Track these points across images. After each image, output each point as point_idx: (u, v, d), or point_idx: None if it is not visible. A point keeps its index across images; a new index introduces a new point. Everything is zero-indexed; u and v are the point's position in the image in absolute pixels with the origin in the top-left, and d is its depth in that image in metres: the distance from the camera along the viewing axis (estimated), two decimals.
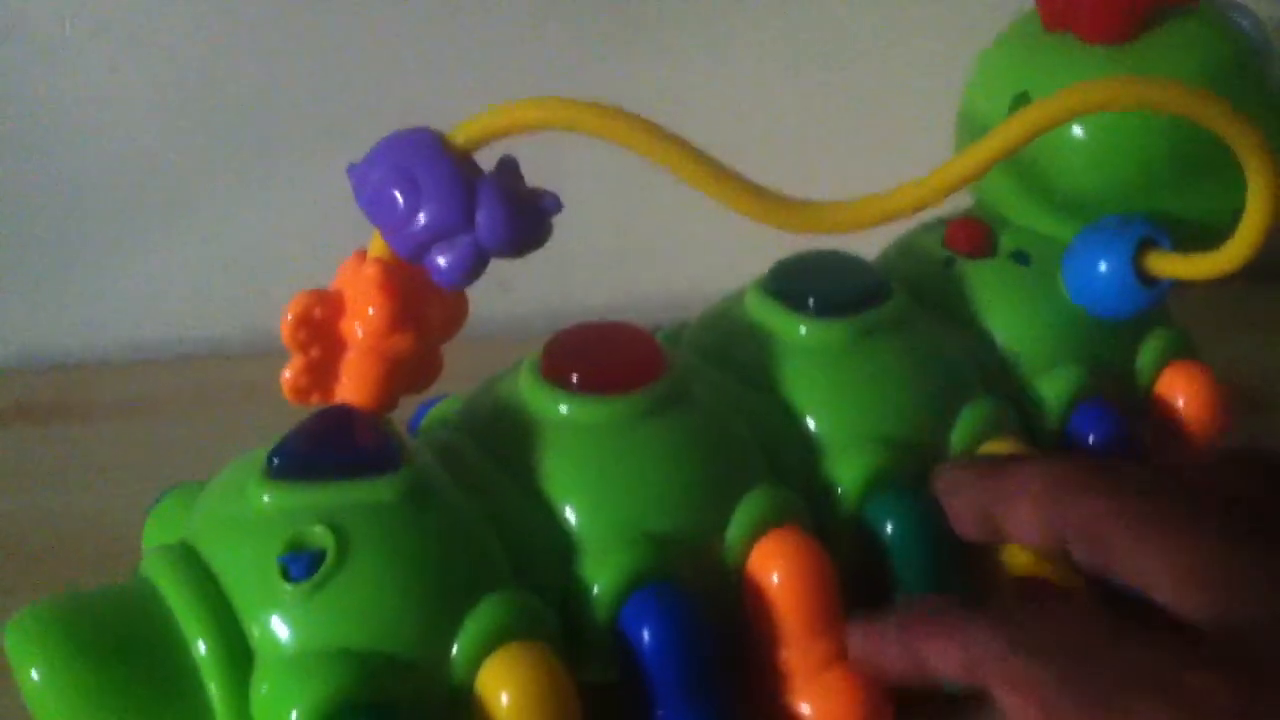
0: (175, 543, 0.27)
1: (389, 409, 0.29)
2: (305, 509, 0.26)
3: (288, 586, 0.25)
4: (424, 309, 0.29)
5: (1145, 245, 0.33)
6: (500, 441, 0.29)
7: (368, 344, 0.29)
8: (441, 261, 0.27)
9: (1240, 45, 0.34)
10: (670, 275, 0.54)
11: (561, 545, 0.28)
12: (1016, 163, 0.34)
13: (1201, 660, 0.22)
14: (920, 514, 0.30)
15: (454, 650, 0.25)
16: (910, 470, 0.31)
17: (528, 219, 0.27)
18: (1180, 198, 0.34)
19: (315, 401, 0.29)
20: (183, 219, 0.52)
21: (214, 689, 0.24)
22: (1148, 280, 0.33)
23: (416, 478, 0.27)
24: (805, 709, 0.28)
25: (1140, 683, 0.22)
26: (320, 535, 0.25)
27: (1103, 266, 0.33)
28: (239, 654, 0.25)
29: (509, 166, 0.28)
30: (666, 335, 0.35)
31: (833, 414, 0.31)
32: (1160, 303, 0.34)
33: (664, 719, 0.27)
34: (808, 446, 0.31)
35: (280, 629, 0.25)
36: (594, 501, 0.28)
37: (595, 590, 0.27)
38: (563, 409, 0.29)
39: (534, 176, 0.28)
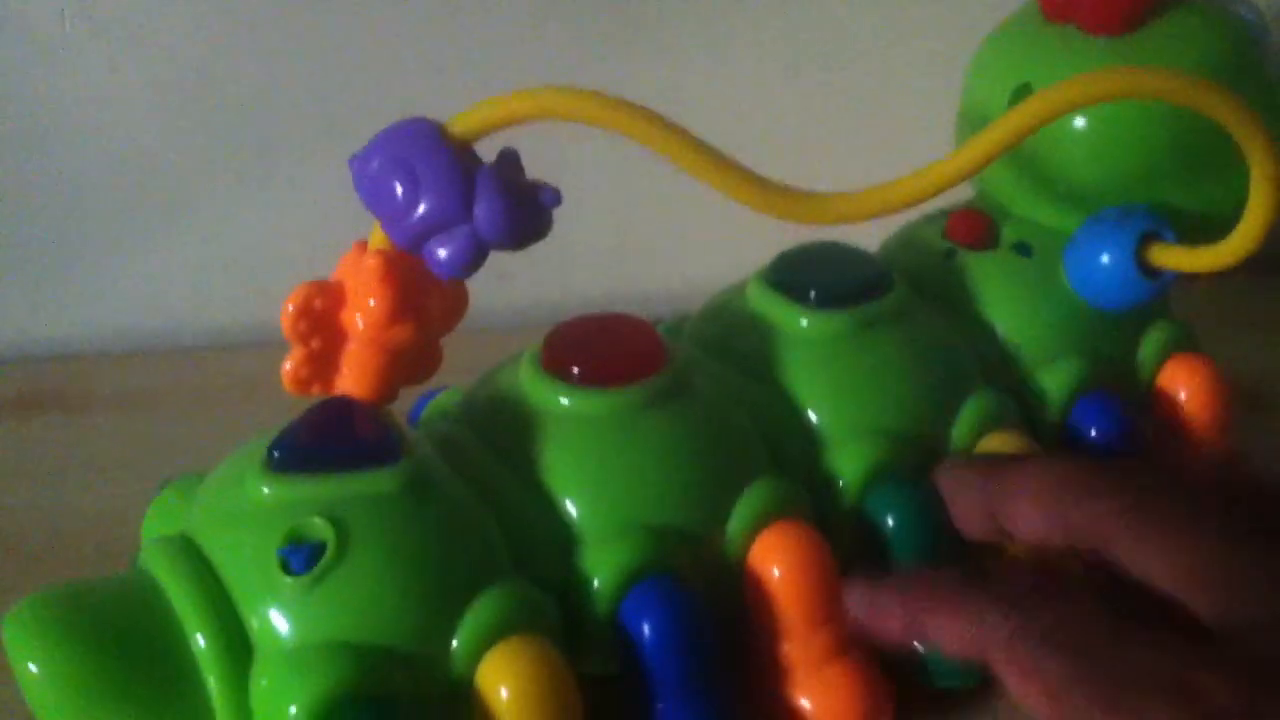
0: (175, 535, 0.27)
1: (389, 400, 0.29)
2: (305, 501, 0.26)
3: (287, 579, 0.25)
4: (424, 300, 0.29)
5: (1147, 237, 0.33)
6: (501, 433, 0.29)
7: (368, 335, 0.29)
8: (440, 253, 0.27)
9: (1242, 35, 0.34)
10: (671, 268, 0.54)
11: (562, 537, 0.28)
12: (1018, 154, 0.34)
13: (1208, 661, 0.22)
14: (921, 506, 0.30)
15: (454, 643, 0.25)
16: (911, 462, 0.31)
17: (527, 211, 0.27)
18: (1183, 189, 0.34)
19: (316, 393, 0.29)
20: (182, 214, 0.52)
21: (213, 682, 0.24)
22: (1150, 272, 0.33)
23: (417, 470, 0.27)
24: (806, 703, 0.28)
25: (1148, 681, 0.22)
26: (320, 528, 0.25)
27: (1105, 258, 0.33)
28: (238, 647, 0.25)
29: (509, 158, 0.28)
30: (667, 327, 0.35)
31: (834, 406, 0.31)
32: (1162, 295, 0.34)
33: (664, 712, 0.27)
34: (809, 438, 0.31)
35: (280, 622, 0.24)
36: (595, 494, 0.28)
37: (596, 583, 0.27)
38: (563, 401, 0.29)
39: (536, 169, 0.28)
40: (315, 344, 0.29)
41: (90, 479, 0.42)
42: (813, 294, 0.32)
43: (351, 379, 0.29)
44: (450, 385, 0.34)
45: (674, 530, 0.28)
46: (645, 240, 0.55)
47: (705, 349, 0.33)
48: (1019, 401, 0.34)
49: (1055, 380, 0.34)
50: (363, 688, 0.24)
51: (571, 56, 0.50)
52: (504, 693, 0.25)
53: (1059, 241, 0.35)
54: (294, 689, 0.24)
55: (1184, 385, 0.35)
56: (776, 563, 0.28)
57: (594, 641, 0.27)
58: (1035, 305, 0.34)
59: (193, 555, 0.26)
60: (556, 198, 0.28)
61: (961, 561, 0.30)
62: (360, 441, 0.27)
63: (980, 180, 0.37)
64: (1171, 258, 0.33)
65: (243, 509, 0.26)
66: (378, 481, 0.26)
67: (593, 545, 0.28)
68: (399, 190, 0.27)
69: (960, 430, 0.32)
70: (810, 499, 0.30)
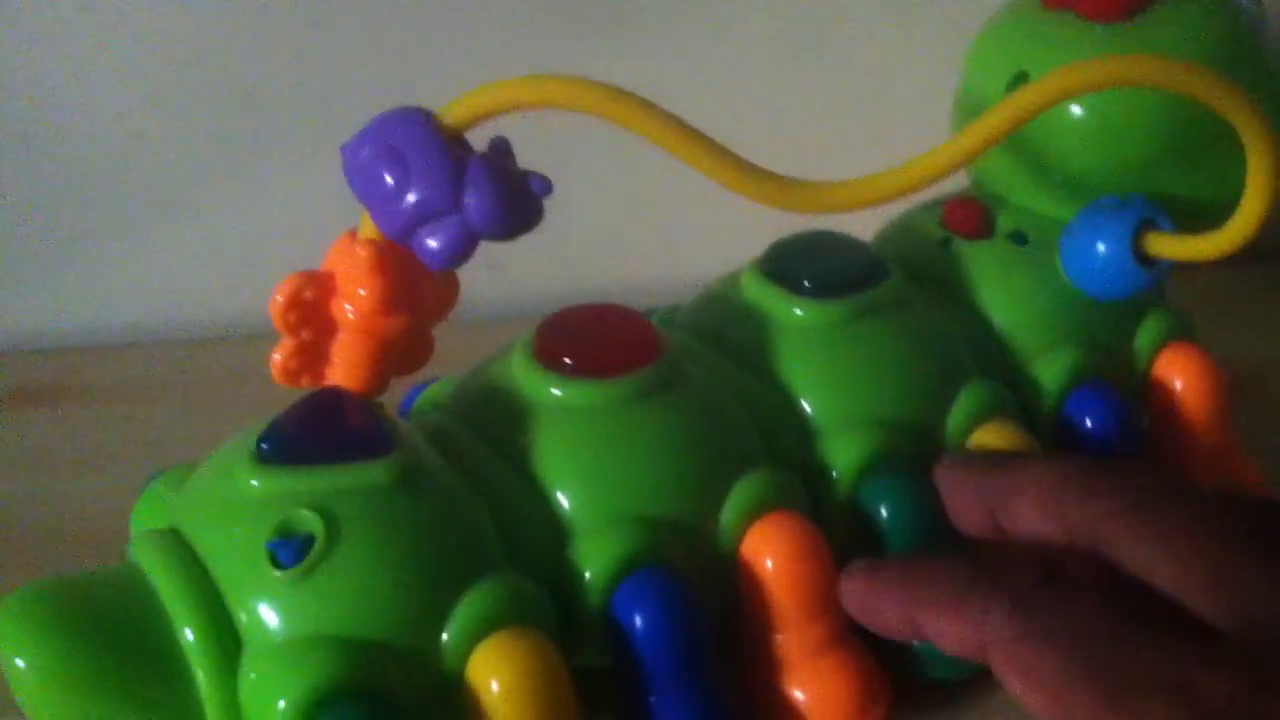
0: (164, 528, 0.26)
1: (380, 391, 0.29)
2: (294, 494, 0.25)
3: (276, 573, 0.24)
4: (415, 290, 0.29)
5: (1144, 226, 0.33)
6: (493, 424, 0.29)
7: (359, 325, 0.28)
8: (430, 243, 0.27)
9: (1240, 22, 0.34)
10: (667, 258, 0.54)
11: (554, 529, 0.28)
12: (1015, 142, 0.33)
13: (1209, 661, 0.22)
14: (916, 497, 0.30)
15: (445, 636, 0.25)
16: (906, 452, 0.31)
17: (518, 200, 0.27)
18: (1180, 177, 0.34)
19: (305, 384, 0.29)
20: (176, 205, 0.52)
21: (202, 676, 0.24)
22: (1146, 261, 0.33)
23: (408, 461, 0.26)
24: (800, 694, 0.28)
25: (1153, 682, 0.22)
26: (309, 520, 0.25)
27: (1101, 247, 0.33)
28: (227, 641, 0.24)
29: (500, 147, 0.28)
30: (661, 317, 0.35)
31: (828, 396, 0.31)
32: (1159, 284, 0.34)
33: (657, 705, 0.27)
34: (803, 428, 0.31)
35: (269, 616, 0.24)
36: (587, 485, 0.28)
37: (588, 574, 0.27)
38: (556, 392, 0.29)
39: (531, 158, 0.28)
40: (305, 335, 0.28)
41: (85, 470, 0.42)
42: (807, 283, 0.32)
43: (342, 370, 0.29)
44: (442, 376, 0.34)
45: (667, 521, 0.28)
46: (640, 230, 0.54)
47: (699, 339, 0.33)
48: (1014, 391, 0.33)
49: (1051, 370, 0.34)
50: (352, 681, 0.24)
51: (565, 45, 0.50)
52: (495, 685, 0.24)
53: (1055, 230, 0.34)
54: (283, 683, 0.23)
55: (1180, 375, 0.35)
56: (770, 553, 0.28)
57: (587, 633, 0.27)
58: (1031, 294, 0.34)
59: (181, 549, 0.25)
60: (547, 186, 0.27)
61: (958, 550, 0.30)
62: (350, 433, 0.27)
63: (976, 168, 0.36)
64: (1168, 246, 0.32)
65: (231, 502, 0.26)
66: (368, 473, 0.26)
67: (585, 536, 0.28)
68: (389, 179, 0.27)
69: (955, 420, 0.32)
70: (805, 489, 0.30)
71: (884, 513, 0.30)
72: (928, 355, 0.32)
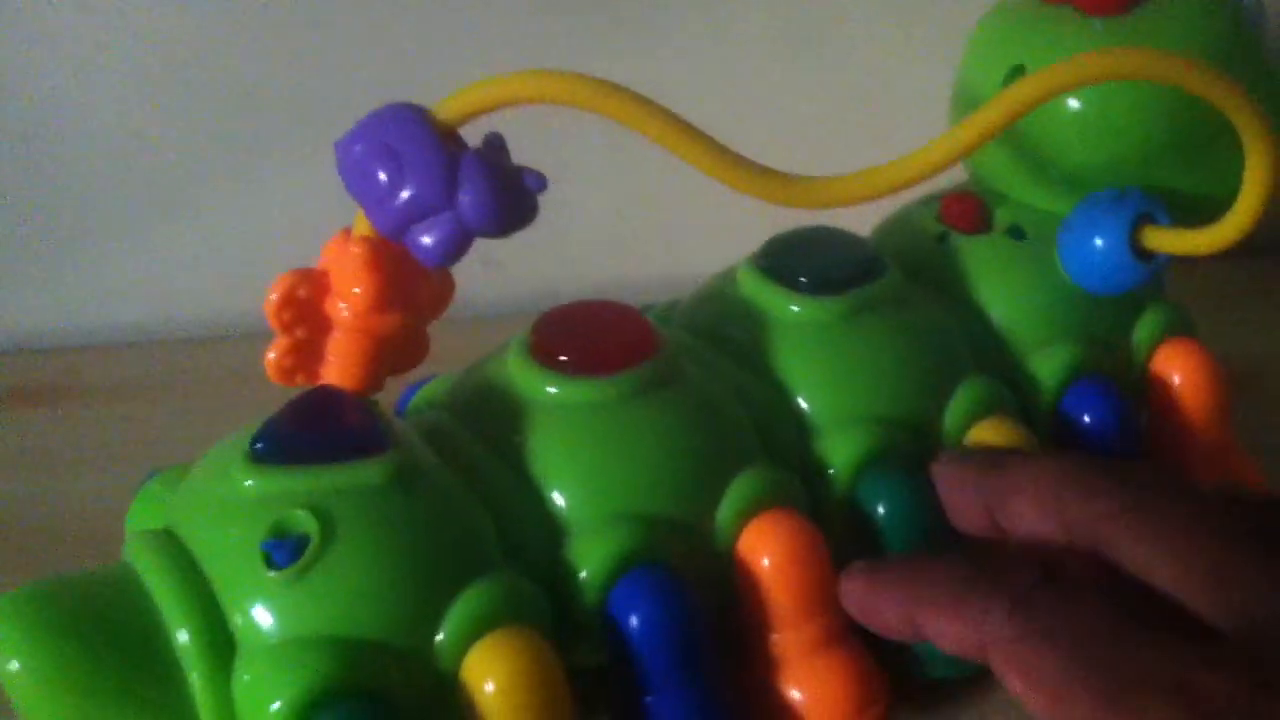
0: (159, 529, 0.26)
1: (375, 390, 0.29)
2: (289, 493, 0.25)
3: (271, 573, 0.24)
4: (410, 288, 0.29)
5: (1141, 220, 0.33)
6: (488, 422, 0.29)
7: (353, 324, 0.28)
8: (424, 240, 0.27)
9: (1238, 16, 0.34)
10: (667, 254, 0.54)
11: (550, 527, 0.28)
12: (1012, 136, 0.33)
13: (1209, 661, 0.22)
14: (913, 494, 0.30)
15: (441, 636, 0.25)
16: (904, 449, 0.31)
17: (512, 196, 0.27)
18: (1178, 171, 0.34)
19: (300, 382, 0.29)
20: (174, 203, 0.51)
21: (196, 678, 0.24)
22: (1143, 255, 0.33)
23: (403, 460, 0.26)
24: (797, 693, 0.28)
25: (1153, 682, 0.22)
26: (304, 520, 0.25)
27: (1098, 242, 0.33)
28: (221, 642, 0.24)
29: (494, 143, 0.28)
30: (658, 314, 0.35)
31: (825, 392, 0.31)
32: (1157, 279, 0.34)
33: (653, 704, 0.27)
34: (800, 425, 0.31)
35: (263, 617, 0.24)
36: (583, 483, 0.28)
37: (584, 573, 0.27)
38: (551, 389, 0.29)
39: (530, 154, 0.28)
40: (300, 333, 0.28)
41: (85, 470, 0.42)
42: (803, 279, 0.32)
43: (336, 368, 0.28)
44: (439, 374, 0.33)
45: (664, 519, 0.28)
46: (639, 226, 0.54)
47: (696, 335, 0.32)
48: (1012, 387, 0.33)
49: (1048, 365, 0.33)
50: (347, 682, 0.24)
51: (565, 45, 0.50)
52: (491, 686, 0.24)
53: (1053, 225, 0.34)
54: (277, 684, 0.23)
55: (1178, 370, 0.34)
56: (767, 551, 0.28)
57: (583, 632, 0.27)
58: (1028, 290, 0.34)
59: (176, 550, 0.25)
60: (542, 183, 0.27)
61: (957, 547, 0.30)
62: (345, 432, 0.27)
63: (974, 163, 0.36)
64: (1165, 241, 0.32)
65: (226, 502, 0.26)
66: (363, 472, 0.26)
67: (581, 535, 0.27)
68: (382, 176, 0.27)
69: (953, 416, 0.32)
70: (803, 487, 0.30)
71: (881, 510, 0.30)
72: (924, 351, 0.32)
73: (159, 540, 0.26)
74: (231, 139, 0.51)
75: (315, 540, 0.24)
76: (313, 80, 0.50)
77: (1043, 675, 0.23)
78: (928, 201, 0.36)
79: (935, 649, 0.26)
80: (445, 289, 0.30)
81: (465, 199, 0.27)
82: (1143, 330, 0.35)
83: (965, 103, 0.36)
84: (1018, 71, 0.34)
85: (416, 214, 0.27)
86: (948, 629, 0.25)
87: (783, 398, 0.31)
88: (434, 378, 0.34)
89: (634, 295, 0.34)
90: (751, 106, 0.51)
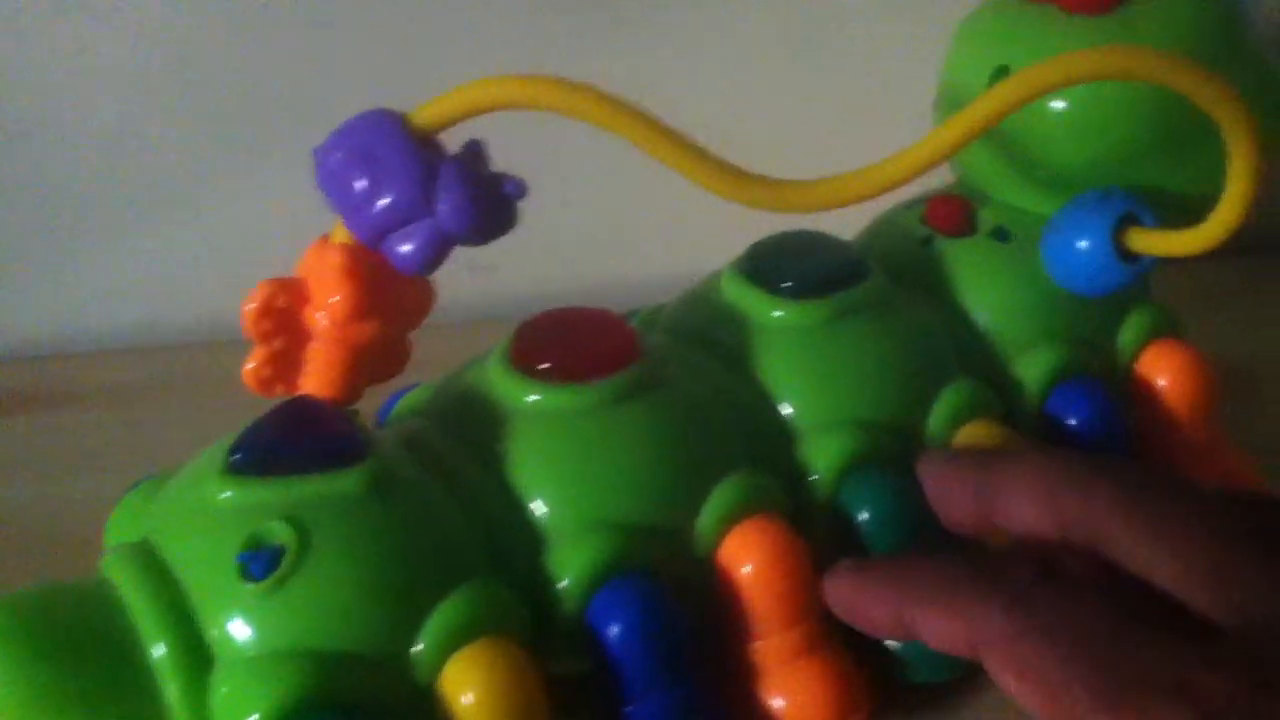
0: (136, 541, 0.26)
1: (354, 399, 0.29)
2: (266, 504, 0.25)
3: (247, 586, 0.24)
4: (389, 296, 0.29)
5: (1125, 221, 0.32)
6: (469, 430, 0.29)
7: (332, 333, 0.28)
8: (403, 248, 0.27)
9: (1224, 13, 0.34)
10: (655, 257, 0.54)
11: (531, 535, 0.27)
12: (997, 137, 0.33)
13: (1213, 662, 0.21)
14: (897, 498, 0.30)
15: (419, 648, 0.25)
16: (888, 453, 0.30)
17: (491, 203, 0.27)
18: (1165, 171, 0.33)
19: (279, 392, 0.29)
20: (175, 204, 0.51)
21: (173, 691, 0.24)
22: (1128, 257, 0.32)
23: (381, 469, 0.26)
24: (779, 701, 0.28)
25: (1153, 682, 0.21)
26: (280, 531, 0.25)
27: (1082, 244, 0.33)
28: (198, 656, 0.24)
29: (473, 150, 0.28)
30: (642, 319, 0.35)
31: (808, 397, 0.31)
32: (1142, 280, 0.33)
33: (635, 713, 0.26)
34: (783, 430, 0.31)
35: (239, 630, 0.24)
36: (564, 491, 0.28)
37: (565, 581, 0.27)
38: (532, 397, 0.28)
39: (517, 158, 0.28)
40: (278, 343, 0.28)
41: (84, 474, 0.42)
42: (786, 284, 0.32)
43: (315, 378, 0.28)
44: (421, 382, 0.33)
45: (645, 527, 0.28)
46: (628, 230, 0.54)
47: (679, 341, 0.32)
48: (998, 389, 0.33)
49: (1034, 368, 0.33)
50: (324, 695, 0.23)
51: (566, 45, 0.50)
52: (469, 698, 0.24)
53: (1038, 226, 0.34)
54: (254, 697, 0.23)
55: (1164, 372, 0.34)
56: (748, 559, 0.28)
57: (564, 641, 0.27)
58: (1013, 292, 0.34)
59: (152, 562, 0.25)
60: (520, 189, 0.27)
61: (944, 551, 0.30)
62: (323, 441, 0.26)
63: (960, 164, 0.36)
64: (1150, 242, 0.32)
65: (202, 514, 0.25)
66: (340, 482, 0.25)
67: (562, 543, 0.27)
68: (360, 183, 0.27)
69: (937, 420, 0.32)
70: (785, 492, 0.30)
71: (866, 514, 0.30)
72: (909, 355, 0.32)
73: (135, 553, 0.25)
74: (229, 142, 0.50)
75: (291, 551, 0.24)
76: (312, 82, 0.49)
77: (1040, 673, 0.22)
78: (913, 204, 0.36)
79: (918, 653, 0.26)
80: (425, 297, 0.30)
81: (443, 206, 0.26)
82: (1129, 331, 0.35)
83: (949, 104, 0.36)
84: (1002, 72, 0.33)
85: (395, 221, 0.27)
86: (939, 625, 0.25)
87: (766, 403, 0.31)
88: (417, 385, 0.33)
89: (625, 298, 0.34)
90: (751, 106, 0.51)
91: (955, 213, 0.35)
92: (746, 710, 0.28)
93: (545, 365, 0.29)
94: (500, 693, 0.24)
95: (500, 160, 0.28)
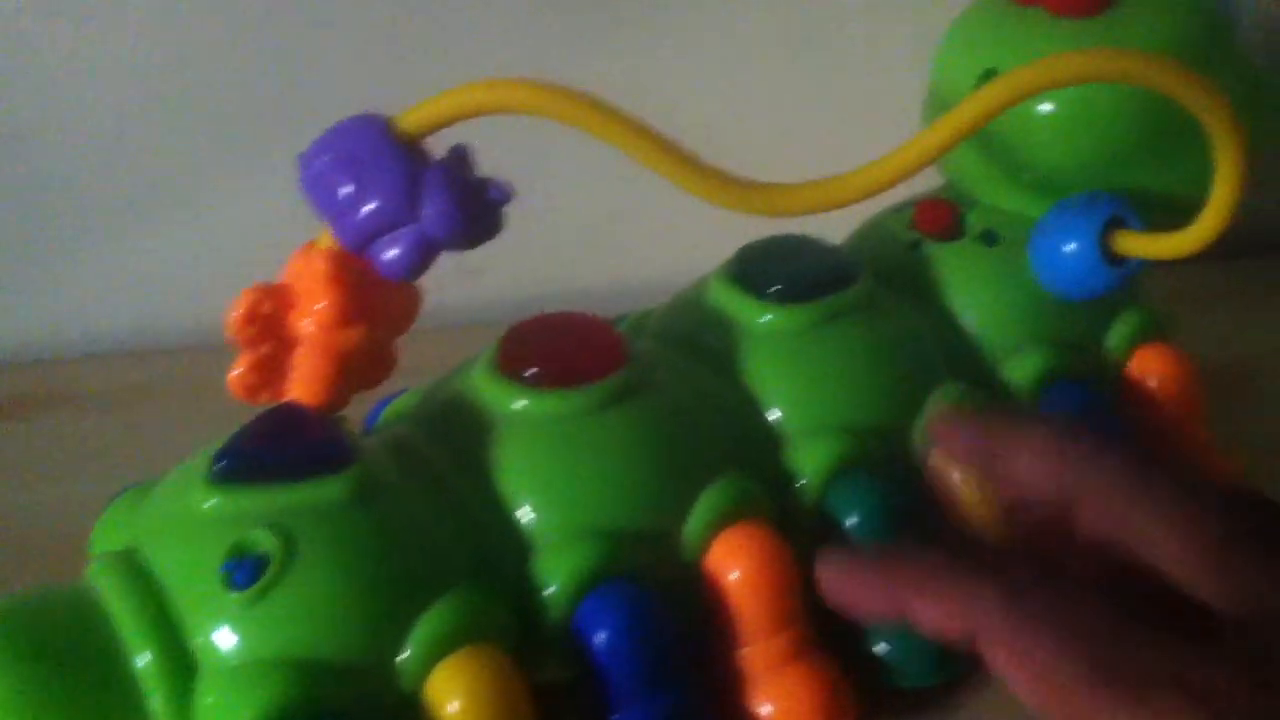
0: (121, 549, 0.26)
1: (340, 406, 0.29)
2: (250, 513, 0.25)
3: (231, 595, 0.24)
4: (375, 301, 0.29)
5: (1112, 224, 0.32)
6: (455, 437, 0.29)
7: (317, 339, 0.28)
8: (388, 253, 0.27)
9: (1210, 16, 0.34)
10: (644, 261, 0.53)
11: (518, 542, 0.27)
12: (985, 139, 0.33)
13: (1214, 661, 0.21)
14: (884, 502, 0.29)
15: (404, 656, 0.25)
16: (875, 457, 0.30)
17: (476, 208, 0.27)
18: (1152, 173, 0.33)
19: (265, 399, 0.29)
20: (173, 205, 0.51)
21: (157, 700, 0.24)
22: (1115, 260, 0.32)
23: (366, 476, 0.26)
24: (766, 708, 0.28)
25: (1156, 672, 0.21)
26: (264, 539, 0.25)
27: (1069, 247, 0.32)
28: (182, 665, 0.24)
29: (459, 155, 0.28)
30: (631, 324, 0.35)
31: (796, 401, 0.31)
32: (1129, 283, 0.33)
33: None
34: (770, 435, 0.31)
35: (223, 639, 0.24)
36: (550, 497, 0.28)
37: (552, 589, 0.27)
38: (518, 403, 0.28)
39: (507, 162, 0.27)
40: (264, 349, 0.28)
41: (74, 479, 0.42)
42: (774, 288, 0.32)
43: (300, 384, 0.28)
44: (409, 387, 0.33)
45: (632, 533, 0.28)
46: (619, 234, 0.54)
47: (668, 345, 0.32)
48: (987, 392, 0.33)
49: (1022, 370, 0.33)
50: (308, 703, 0.23)
51: (566, 46, 0.50)
52: (454, 706, 0.24)
53: (1026, 229, 0.34)
54: (238, 706, 0.23)
55: (1153, 375, 0.34)
56: (736, 565, 0.28)
57: (550, 648, 0.27)
58: (1001, 295, 0.34)
59: (137, 572, 0.25)
60: (504, 194, 0.27)
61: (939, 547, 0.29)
62: (308, 448, 0.26)
63: (948, 168, 0.36)
64: (1137, 245, 0.32)
65: (186, 523, 0.25)
66: (326, 489, 0.25)
67: (549, 549, 0.27)
68: (345, 188, 0.27)
69: (925, 424, 0.31)
70: (772, 497, 0.30)
71: (852, 519, 0.30)
72: (896, 359, 0.32)
73: (120, 562, 0.25)
74: (226, 146, 0.50)
75: (276, 560, 0.24)
76: (310, 83, 0.49)
77: (1038, 660, 0.22)
78: (901, 208, 0.36)
79: (905, 657, 0.25)
80: (411, 303, 0.30)
81: (429, 212, 0.26)
82: (1117, 334, 0.35)
83: (937, 106, 0.36)
84: (990, 75, 0.33)
85: (380, 227, 0.27)
86: (935, 609, 0.24)
87: (754, 407, 0.31)
88: (404, 391, 0.33)
89: (616, 302, 0.34)
90: (750, 107, 0.51)
91: (943, 216, 0.35)
92: (734, 717, 0.28)
93: (532, 371, 0.29)
94: (485, 701, 0.24)
95: (488, 164, 0.28)
